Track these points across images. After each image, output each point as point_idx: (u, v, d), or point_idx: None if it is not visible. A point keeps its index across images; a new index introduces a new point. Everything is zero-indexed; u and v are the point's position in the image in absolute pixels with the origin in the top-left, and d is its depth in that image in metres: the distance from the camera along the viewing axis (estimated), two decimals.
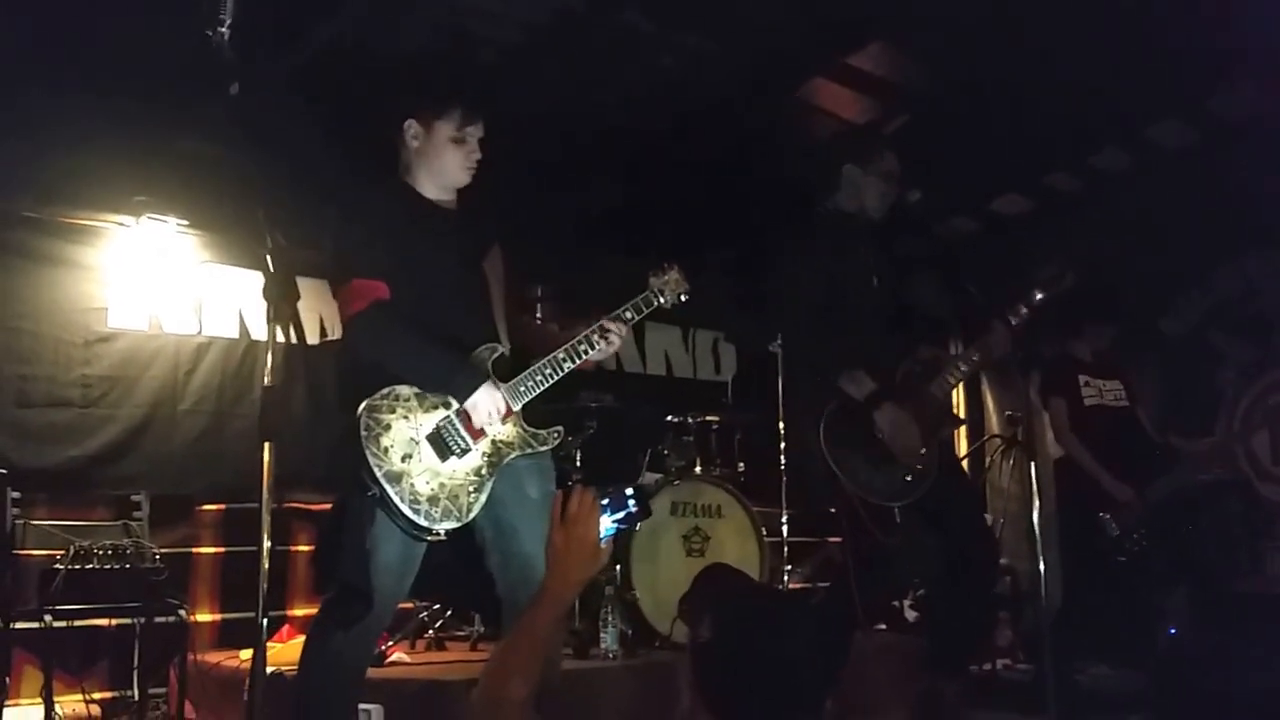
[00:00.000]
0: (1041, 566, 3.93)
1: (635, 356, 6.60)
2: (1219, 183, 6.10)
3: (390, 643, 4.43)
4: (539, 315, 4.73)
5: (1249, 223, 6.23)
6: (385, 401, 2.92)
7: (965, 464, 6.86)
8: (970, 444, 7.10)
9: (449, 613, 4.96)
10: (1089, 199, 6.68)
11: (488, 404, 3.00)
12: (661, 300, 3.32)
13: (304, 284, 4.69)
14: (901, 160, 4.60)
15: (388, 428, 2.89)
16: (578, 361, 3.14)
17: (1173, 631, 4.63)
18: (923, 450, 3.97)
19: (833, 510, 4.41)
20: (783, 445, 5.40)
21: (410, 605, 4.82)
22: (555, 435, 3.15)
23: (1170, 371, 6.19)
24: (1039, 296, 3.95)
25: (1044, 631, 4.62)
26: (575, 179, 5.57)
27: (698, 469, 5.22)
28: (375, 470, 2.84)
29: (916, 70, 5.65)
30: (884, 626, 5.19)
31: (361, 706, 3.33)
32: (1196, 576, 4.80)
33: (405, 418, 2.93)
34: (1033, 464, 3.98)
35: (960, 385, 7.19)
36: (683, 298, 3.35)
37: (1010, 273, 6.03)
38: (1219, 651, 4.21)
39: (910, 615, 5.24)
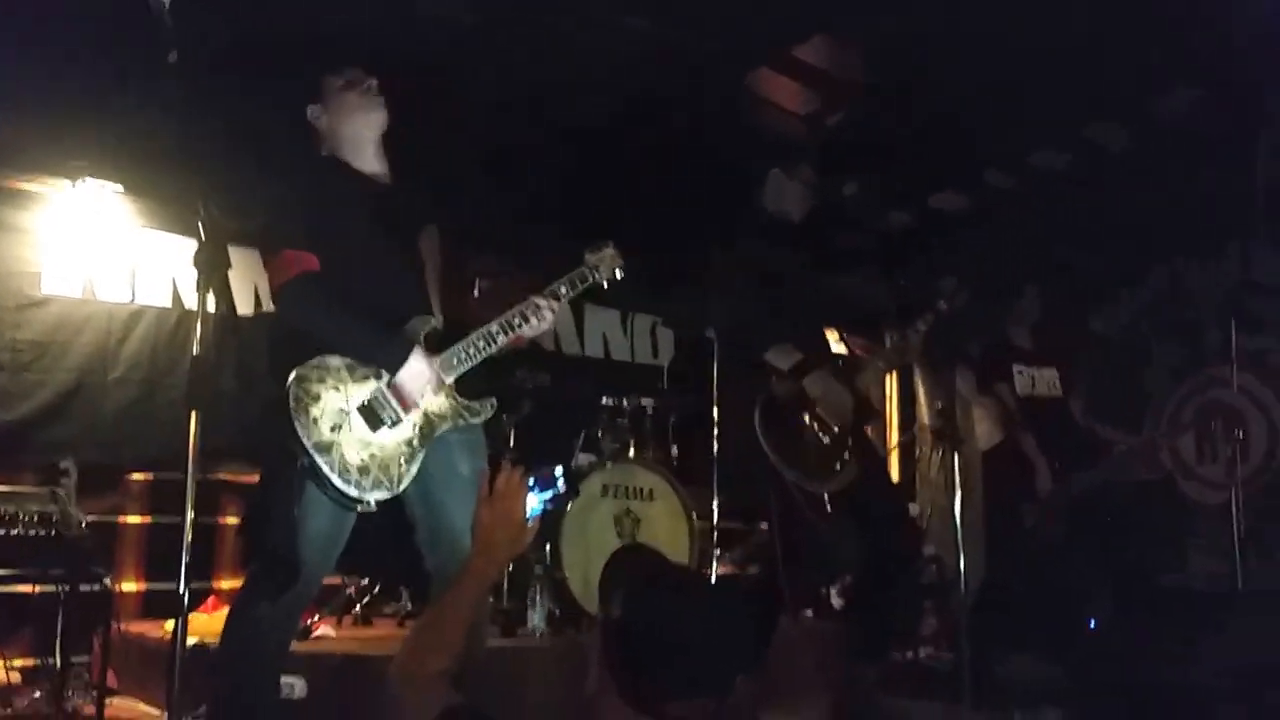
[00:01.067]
0: (962, 557, 4.04)
1: (573, 338, 6.62)
2: (1154, 185, 6.25)
3: (316, 617, 4.42)
4: (476, 292, 4.73)
5: (1183, 225, 6.39)
6: (315, 372, 2.91)
7: (897, 455, 6.99)
8: (902, 436, 7.21)
9: (377, 589, 4.96)
10: (1026, 197, 6.80)
11: (417, 376, 3.01)
12: (596, 277, 3.29)
13: (241, 254, 4.72)
14: (841, 154, 4.69)
15: (317, 398, 2.88)
16: (511, 335, 3.13)
17: (1093, 624, 4.72)
18: (853, 417, 4.11)
19: (764, 497, 4.49)
20: (716, 431, 5.46)
21: (338, 581, 4.82)
22: (489, 406, 3.15)
23: (1100, 369, 6.32)
24: (943, 306, 4.15)
25: (963, 621, 4.74)
26: (519, 159, 5.56)
27: (631, 452, 5.25)
28: (304, 440, 2.82)
29: (859, 64, 5.71)
30: (811, 613, 5.26)
31: (284, 679, 3.33)
32: (1119, 570, 4.90)
33: (335, 388, 2.92)
34: (958, 456, 4.08)
35: (892, 379, 7.38)
36: (618, 274, 3.31)
37: (946, 268, 6.16)
38: (1138, 645, 4.31)
39: (837, 602, 5.31)
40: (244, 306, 5.36)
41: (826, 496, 4.20)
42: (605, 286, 3.35)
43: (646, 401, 5.40)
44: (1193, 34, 5.21)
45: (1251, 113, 5.84)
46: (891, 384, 7.33)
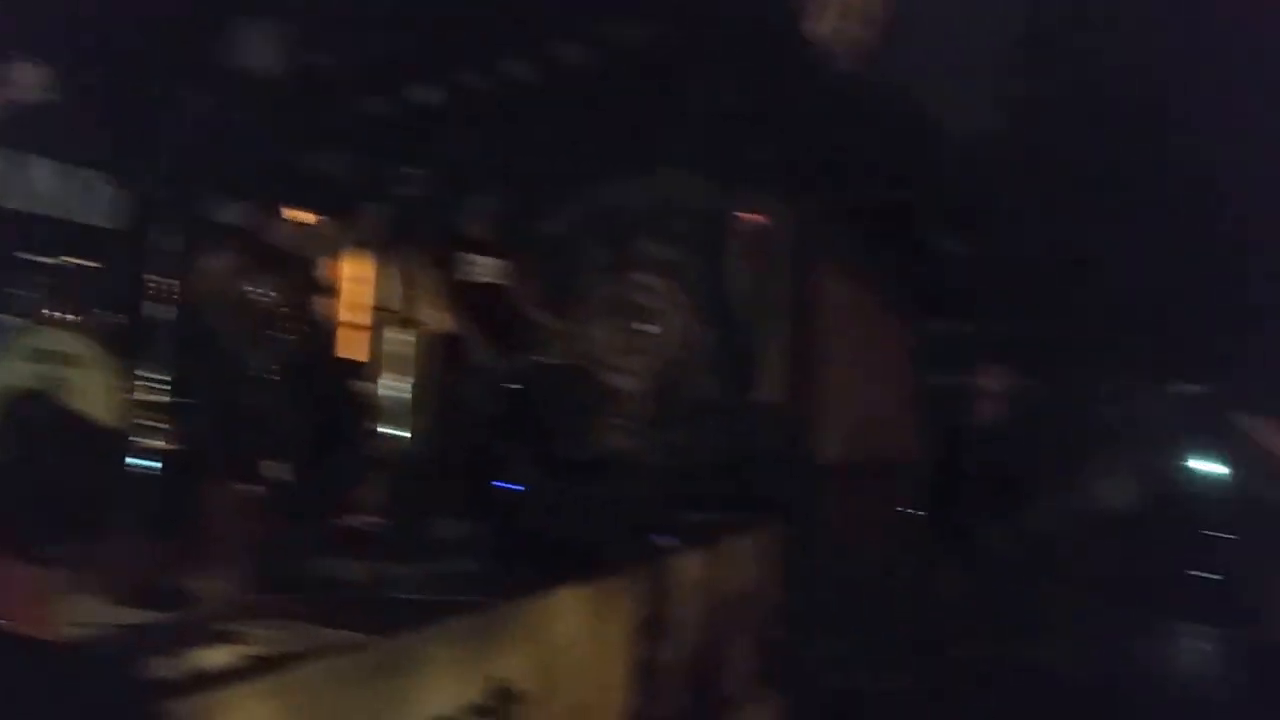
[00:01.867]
0: (409, 431, 4.26)
1: (12, 191, 5.95)
2: (607, 104, 6.83)
3: None
4: None
5: (627, 143, 7.05)
6: None
7: (350, 333, 7.09)
8: (356, 314, 7.30)
9: None
10: (496, 99, 7.11)
11: None
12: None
13: None
14: (324, 30, 4.60)
15: None
16: None
17: (519, 488, 5.18)
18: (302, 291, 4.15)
19: (208, 367, 4.41)
20: (153, 297, 5.21)
21: None
22: None
23: (542, 265, 6.87)
24: (407, 191, 4.31)
25: (402, 488, 5.01)
26: None
27: (61, 315, 4.87)
28: None
29: None
30: (249, 483, 5.23)
31: None
32: (542, 442, 5.41)
33: None
34: (408, 335, 4.28)
35: (350, 258, 7.45)
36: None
37: (414, 156, 6.32)
38: (554, 505, 4.85)
39: (275, 472, 5.32)
40: None
41: (270, 367, 4.22)
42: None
43: (81, 262, 5.04)
44: None
45: (695, 48, 6.55)
46: (349, 263, 7.36)
